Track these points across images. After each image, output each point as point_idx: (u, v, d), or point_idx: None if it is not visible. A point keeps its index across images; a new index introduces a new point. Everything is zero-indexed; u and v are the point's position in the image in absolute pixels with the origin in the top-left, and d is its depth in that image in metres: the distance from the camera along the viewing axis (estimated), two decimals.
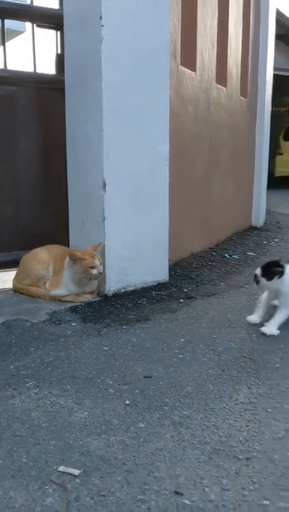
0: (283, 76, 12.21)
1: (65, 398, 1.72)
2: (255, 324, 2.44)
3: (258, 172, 5.88)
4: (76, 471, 1.33)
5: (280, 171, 13.55)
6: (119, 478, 1.31)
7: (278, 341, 2.25)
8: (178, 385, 1.82)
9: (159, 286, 2.94)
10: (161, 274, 3.02)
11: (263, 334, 2.31)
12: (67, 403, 1.69)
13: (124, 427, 1.56)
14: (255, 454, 1.42)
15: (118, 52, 2.69)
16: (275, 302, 2.45)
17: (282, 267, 2.30)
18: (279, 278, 2.29)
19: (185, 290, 2.93)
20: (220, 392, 1.78)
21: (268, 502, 1.23)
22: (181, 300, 2.77)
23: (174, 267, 3.37)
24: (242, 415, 1.63)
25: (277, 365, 2.01)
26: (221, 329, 2.38)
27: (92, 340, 2.23)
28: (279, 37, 12.36)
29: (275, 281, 2.29)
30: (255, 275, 2.36)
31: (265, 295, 2.49)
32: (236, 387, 1.82)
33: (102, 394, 1.76)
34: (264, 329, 2.33)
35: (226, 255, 3.88)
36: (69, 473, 1.32)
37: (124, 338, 2.26)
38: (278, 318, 2.34)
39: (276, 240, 4.79)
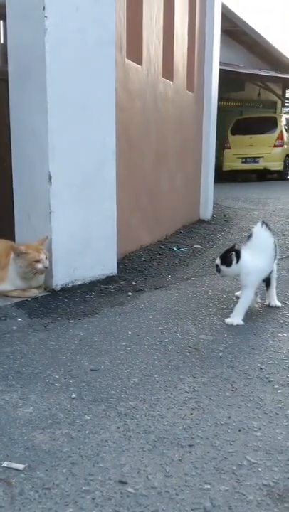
0: (232, 71, 12.44)
1: (10, 394, 1.71)
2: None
3: (206, 166, 5.96)
4: (20, 466, 1.33)
5: (228, 165, 13.83)
6: (64, 471, 1.32)
7: (223, 332, 2.31)
8: (124, 377, 1.84)
9: (108, 280, 2.95)
10: (110, 268, 3.03)
11: (229, 324, 2.38)
12: (12, 399, 1.68)
13: (70, 420, 1.56)
14: (198, 441, 1.46)
15: (62, 43, 2.66)
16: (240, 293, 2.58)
17: (238, 252, 2.37)
18: (237, 263, 2.36)
19: (133, 283, 2.95)
20: (165, 382, 1.82)
21: (209, 486, 1.27)
22: (130, 293, 2.79)
23: (122, 260, 3.39)
24: (186, 404, 1.67)
25: (220, 355, 2.06)
26: (168, 321, 2.41)
27: (39, 335, 2.22)
28: (227, 33, 12.59)
29: (234, 266, 2.37)
30: (216, 265, 2.43)
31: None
32: (181, 376, 1.86)
33: (48, 388, 1.75)
34: (228, 320, 2.40)
35: (174, 248, 3.93)
36: (13, 469, 1.32)
37: (71, 332, 2.26)
38: (241, 306, 2.42)
39: (222, 233, 4.90)
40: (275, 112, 17.32)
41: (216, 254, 3.94)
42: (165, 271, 3.29)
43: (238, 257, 2.38)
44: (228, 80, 11.05)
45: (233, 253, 2.38)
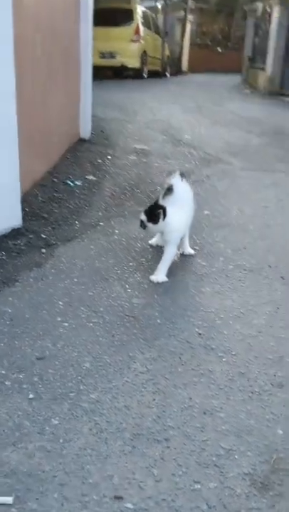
0: None
1: None
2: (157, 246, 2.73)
3: (85, 71, 5.30)
4: (9, 499, 1.26)
5: None
6: (55, 496, 1.29)
7: (151, 292, 2.33)
8: (75, 363, 1.79)
9: (14, 234, 2.72)
10: (15, 218, 2.78)
11: (154, 282, 2.39)
12: None
13: (38, 428, 1.50)
14: (171, 433, 1.51)
15: None
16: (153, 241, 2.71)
17: (163, 208, 2.33)
18: (164, 220, 2.32)
19: (43, 235, 2.77)
20: (117, 363, 1.81)
21: (199, 485, 1.34)
22: (43, 250, 2.63)
23: (21, 204, 3.12)
24: (145, 388, 1.70)
25: (158, 321, 2.09)
26: (95, 284, 2.35)
27: None
28: None
29: (161, 223, 2.33)
30: (142, 221, 2.37)
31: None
32: (130, 354, 1.87)
33: (0, 389, 1.64)
34: (153, 277, 2.41)
35: (69, 182, 3.72)
36: (3, 504, 1.25)
37: None
38: (165, 262, 2.44)
39: (108, 157, 4.74)
40: (130, 3, 16.25)
41: (111, 186, 3.86)
42: (70, 215, 3.13)
43: (165, 214, 2.35)
44: None
45: (161, 211, 2.33)
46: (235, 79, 16.39)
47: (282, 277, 2.54)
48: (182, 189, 2.48)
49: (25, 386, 1.66)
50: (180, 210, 2.43)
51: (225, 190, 4.01)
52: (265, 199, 3.83)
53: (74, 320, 2.05)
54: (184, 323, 2.09)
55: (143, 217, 2.39)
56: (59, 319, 2.05)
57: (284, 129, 7.03)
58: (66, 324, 2.02)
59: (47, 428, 1.50)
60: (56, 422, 1.52)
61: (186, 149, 5.36)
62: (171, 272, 2.48)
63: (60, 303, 2.17)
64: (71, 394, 1.64)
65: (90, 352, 1.86)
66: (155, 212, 2.35)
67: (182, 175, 2.52)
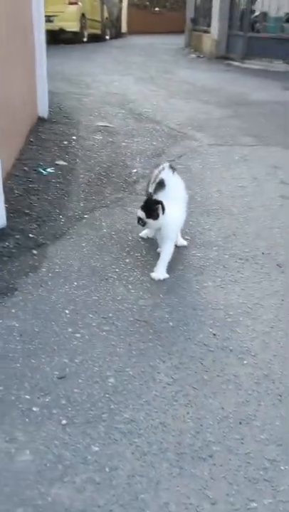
0: None
1: None
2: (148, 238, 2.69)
3: (38, 38, 4.94)
4: None
5: None
6: None
7: (155, 291, 2.28)
8: (99, 379, 1.74)
9: (0, 235, 2.57)
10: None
11: (156, 280, 2.35)
12: (1, 446, 1.46)
13: (80, 457, 1.45)
14: (214, 448, 1.51)
15: None
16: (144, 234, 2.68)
17: (161, 203, 2.26)
18: (163, 214, 2.27)
19: (30, 235, 2.63)
20: (141, 375, 1.77)
21: (254, 504, 1.35)
22: (34, 251, 2.50)
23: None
24: (177, 401, 1.67)
25: (171, 324, 2.06)
26: (97, 286, 2.27)
27: None
28: None
29: (161, 218, 2.28)
30: (140, 218, 2.30)
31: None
32: (151, 363, 1.83)
33: (29, 418, 1.57)
34: (154, 275, 2.36)
35: (41, 170, 3.55)
36: None
37: (5, 324, 1.98)
38: (164, 259, 2.38)
39: (74, 137, 4.54)
40: None
41: (85, 172, 3.73)
42: (52, 209, 2.99)
43: (164, 209, 2.28)
44: None
45: (160, 206, 2.27)
46: (177, 41, 16.10)
47: (278, 265, 2.55)
48: (174, 184, 2.41)
49: (54, 411, 1.59)
50: (175, 204, 2.36)
51: (199, 170, 3.96)
52: (241, 178, 3.82)
53: (85, 330, 1.98)
54: (197, 324, 2.07)
55: (141, 214, 2.31)
56: (70, 330, 1.97)
57: (241, 98, 7.00)
58: (78, 335, 1.95)
59: (89, 457, 1.45)
60: (97, 449, 1.48)
61: (150, 125, 5.23)
62: (169, 266, 2.43)
63: (67, 311, 2.08)
64: (104, 415, 1.59)
65: (110, 365, 1.80)
66: (153, 208, 2.27)
67: (172, 168, 2.45)
